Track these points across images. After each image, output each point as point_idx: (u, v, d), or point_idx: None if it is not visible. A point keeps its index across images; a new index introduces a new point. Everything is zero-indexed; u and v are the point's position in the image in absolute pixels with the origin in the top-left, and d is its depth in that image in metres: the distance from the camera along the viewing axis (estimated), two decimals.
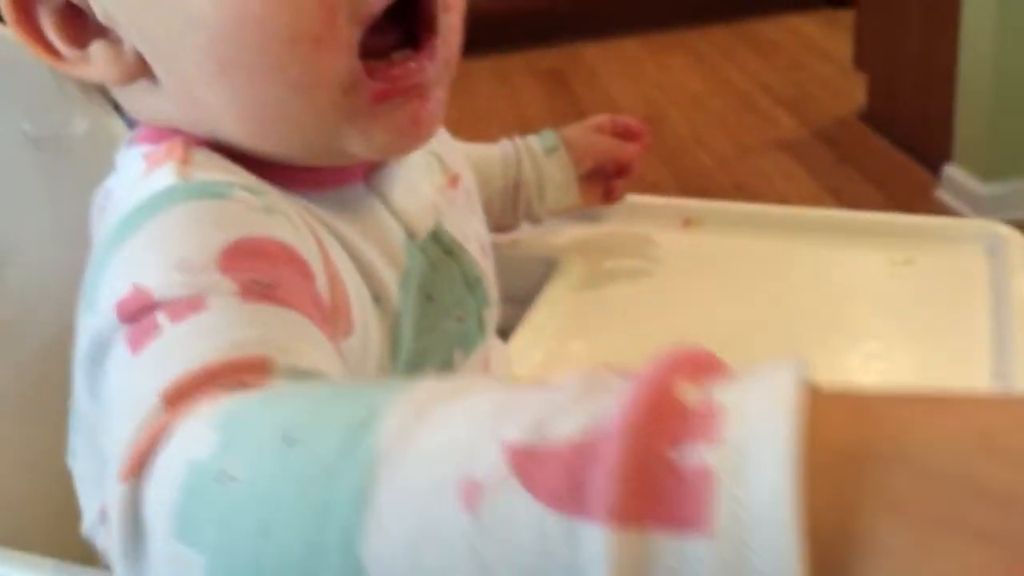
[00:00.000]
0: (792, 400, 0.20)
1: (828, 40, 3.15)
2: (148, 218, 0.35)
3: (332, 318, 0.37)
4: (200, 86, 0.38)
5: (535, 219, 0.66)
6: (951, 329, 0.53)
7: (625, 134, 0.68)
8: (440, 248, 0.47)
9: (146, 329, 0.32)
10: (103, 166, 0.41)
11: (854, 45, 2.55)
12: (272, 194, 0.39)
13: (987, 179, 1.98)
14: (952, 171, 2.08)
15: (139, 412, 0.28)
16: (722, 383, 0.21)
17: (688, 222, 0.67)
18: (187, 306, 0.32)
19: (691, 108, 2.77)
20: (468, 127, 2.88)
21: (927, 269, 0.59)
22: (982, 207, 1.99)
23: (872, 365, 0.51)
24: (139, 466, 0.26)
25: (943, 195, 2.10)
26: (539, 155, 0.65)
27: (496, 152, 0.65)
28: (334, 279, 0.39)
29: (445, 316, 0.46)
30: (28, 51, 0.40)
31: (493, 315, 0.50)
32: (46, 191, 0.52)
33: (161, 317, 0.32)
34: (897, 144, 2.37)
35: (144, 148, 0.40)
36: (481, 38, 3.67)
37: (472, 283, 0.48)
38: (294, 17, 0.36)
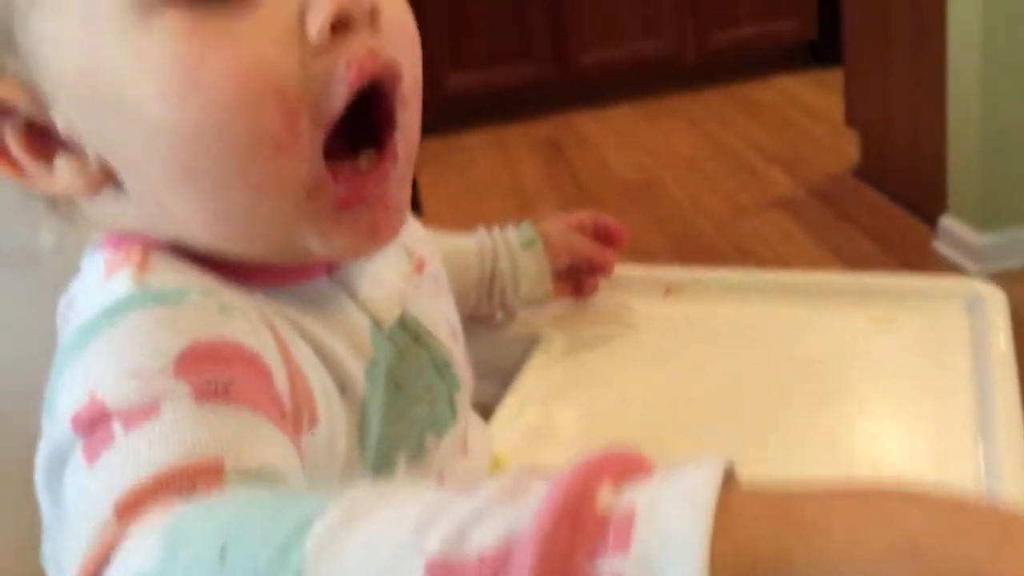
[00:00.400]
0: (709, 506, 0.19)
1: (818, 99, 3.19)
2: (104, 327, 0.35)
3: (294, 413, 0.37)
4: (165, 192, 0.38)
5: (509, 310, 0.66)
6: (934, 387, 0.53)
7: (605, 236, 0.68)
8: (408, 335, 0.47)
9: (101, 439, 0.32)
10: (70, 276, 0.41)
11: (844, 103, 2.58)
12: (229, 293, 0.39)
13: (982, 229, 1.99)
14: (948, 222, 2.09)
15: (93, 524, 0.28)
16: (643, 486, 0.21)
17: (669, 290, 0.67)
18: (141, 413, 0.32)
19: (685, 172, 2.80)
20: (468, 198, 2.91)
21: (909, 328, 0.59)
22: (979, 256, 1.99)
23: (855, 425, 0.51)
24: None
25: (940, 247, 2.11)
26: (516, 248, 0.66)
27: (473, 243, 0.66)
28: (295, 374, 0.39)
29: (415, 402, 0.46)
30: None
31: (465, 397, 0.50)
32: (13, 302, 0.53)
33: (116, 426, 0.32)
34: (892, 198, 2.39)
35: (105, 254, 0.40)
36: (479, 111, 3.74)
37: (441, 367, 0.48)
38: (254, 122, 0.36)
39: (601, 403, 0.57)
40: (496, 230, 0.68)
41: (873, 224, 2.30)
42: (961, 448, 0.47)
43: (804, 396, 0.54)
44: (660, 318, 0.64)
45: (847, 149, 2.66)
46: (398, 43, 0.40)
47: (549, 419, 0.56)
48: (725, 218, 2.46)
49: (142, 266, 0.39)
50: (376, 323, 0.45)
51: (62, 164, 0.39)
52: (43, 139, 0.39)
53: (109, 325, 0.35)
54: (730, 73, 3.49)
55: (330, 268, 0.45)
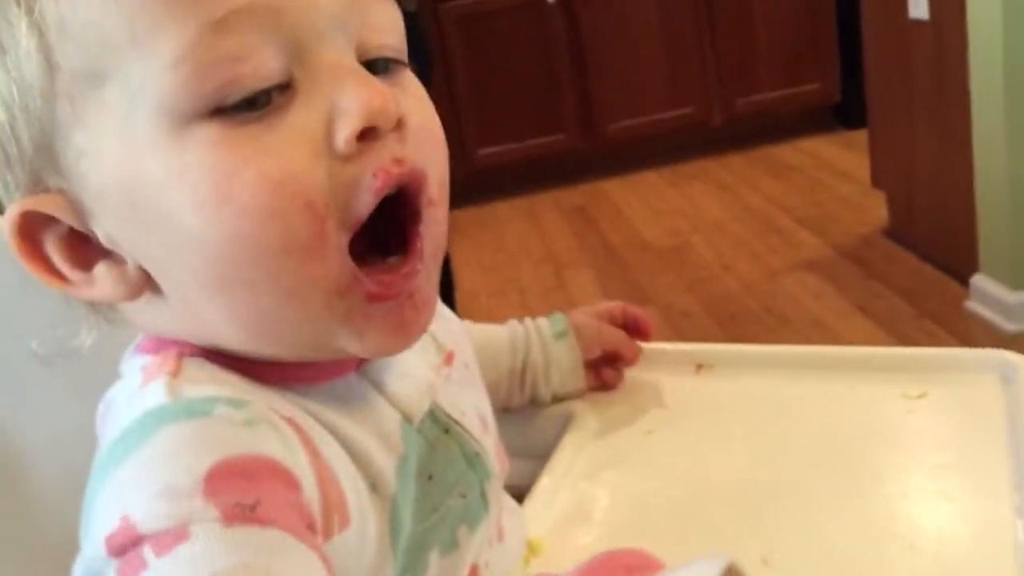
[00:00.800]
0: None
1: (845, 160, 3.21)
2: (137, 444, 0.36)
3: (324, 517, 0.38)
4: (200, 298, 0.40)
5: (540, 401, 0.67)
6: (971, 462, 0.53)
7: (633, 326, 0.69)
8: (438, 427, 0.47)
9: (133, 565, 0.33)
10: (109, 375, 0.43)
11: (871, 164, 2.60)
12: (257, 403, 0.39)
13: (1015, 287, 1.98)
14: (980, 281, 2.08)
15: None
16: None
17: (701, 366, 0.68)
18: (171, 538, 0.33)
19: (715, 235, 2.81)
20: (500, 266, 2.93)
21: (942, 402, 0.59)
22: (1013, 315, 1.98)
23: (890, 505, 0.51)
24: None
25: (973, 305, 2.09)
26: (548, 339, 0.67)
27: (505, 334, 0.67)
28: (325, 478, 0.39)
29: (447, 495, 0.46)
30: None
31: (496, 486, 0.50)
32: (54, 400, 0.55)
33: (147, 551, 0.33)
34: (923, 257, 2.38)
35: (143, 359, 0.42)
36: (510, 181, 3.80)
37: (471, 458, 0.48)
38: (285, 231, 0.37)
39: (635, 484, 0.58)
40: (528, 320, 0.69)
41: (905, 283, 2.30)
42: (998, 527, 0.47)
43: (837, 475, 0.55)
44: (692, 395, 0.65)
45: (876, 209, 2.67)
46: (424, 148, 0.41)
47: (583, 501, 0.57)
48: (755, 280, 2.47)
49: (175, 373, 0.40)
50: (406, 417, 0.46)
51: (102, 272, 0.41)
52: (84, 248, 0.41)
53: (143, 439, 0.37)
54: (756, 136, 3.53)
55: (359, 364, 0.45)
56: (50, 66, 0.38)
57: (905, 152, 2.39)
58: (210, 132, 0.37)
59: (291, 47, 0.38)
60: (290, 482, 0.37)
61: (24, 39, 0.38)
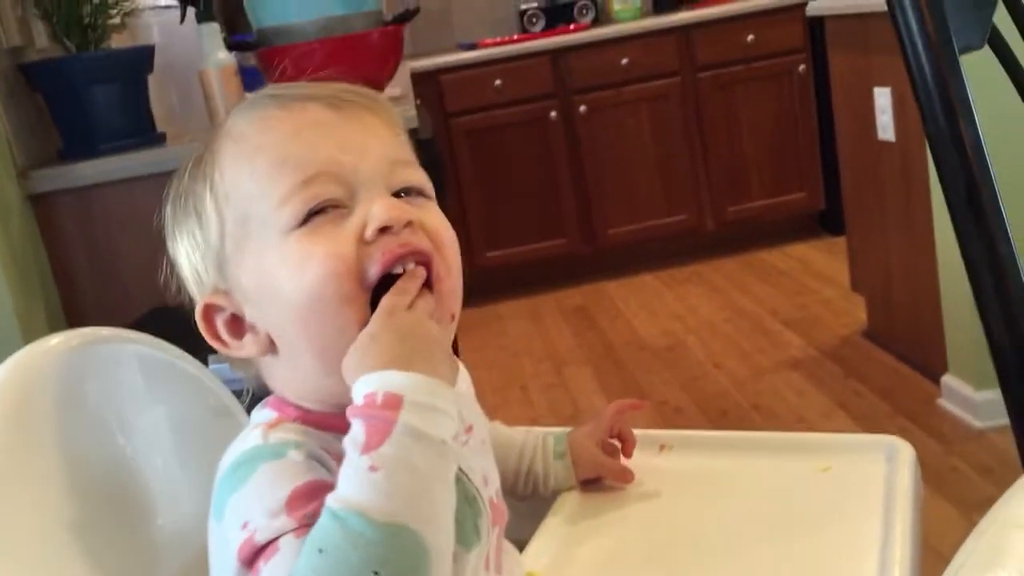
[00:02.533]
0: None
1: (829, 265, 3.42)
2: (252, 468, 0.58)
3: None
4: (296, 342, 0.62)
5: (540, 496, 0.85)
6: (855, 517, 0.71)
7: (622, 441, 0.85)
8: None
9: (256, 571, 0.55)
10: (229, 437, 0.63)
11: (849, 270, 2.80)
12: (311, 444, 0.60)
13: (980, 387, 2.15)
14: (949, 380, 2.25)
15: None
16: None
17: (663, 447, 0.87)
18: (271, 549, 0.54)
19: (708, 335, 3.00)
20: (504, 363, 3.12)
21: (841, 473, 0.77)
22: (979, 413, 2.14)
23: (799, 553, 0.69)
24: None
25: (944, 403, 2.26)
26: (550, 456, 0.85)
27: (519, 440, 0.86)
28: None
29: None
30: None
31: (487, 523, 0.67)
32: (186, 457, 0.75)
33: (261, 562, 0.55)
34: (899, 358, 2.56)
35: (263, 413, 0.65)
36: (514, 282, 4.00)
37: (470, 500, 0.66)
38: (336, 290, 0.60)
39: (610, 538, 0.76)
40: (539, 434, 0.87)
41: (882, 382, 2.47)
42: (866, 564, 0.65)
43: (763, 530, 0.73)
44: (655, 470, 0.83)
45: (856, 312, 2.86)
46: (433, 240, 0.63)
47: (569, 550, 0.75)
48: (744, 378, 2.64)
49: (271, 425, 0.62)
50: None
51: (249, 339, 0.64)
52: (238, 325, 0.65)
53: (252, 469, 0.58)
54: (746, 242, 3.75)
55: None
56: (220, 220, 0.64)
57: (880, 259, 2.59)
58: (299, 233, 0.61)
59: (348, 191, 0.62)
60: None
61: (209, 205, 0.64)
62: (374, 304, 0.60)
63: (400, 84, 2.20)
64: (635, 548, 0.73)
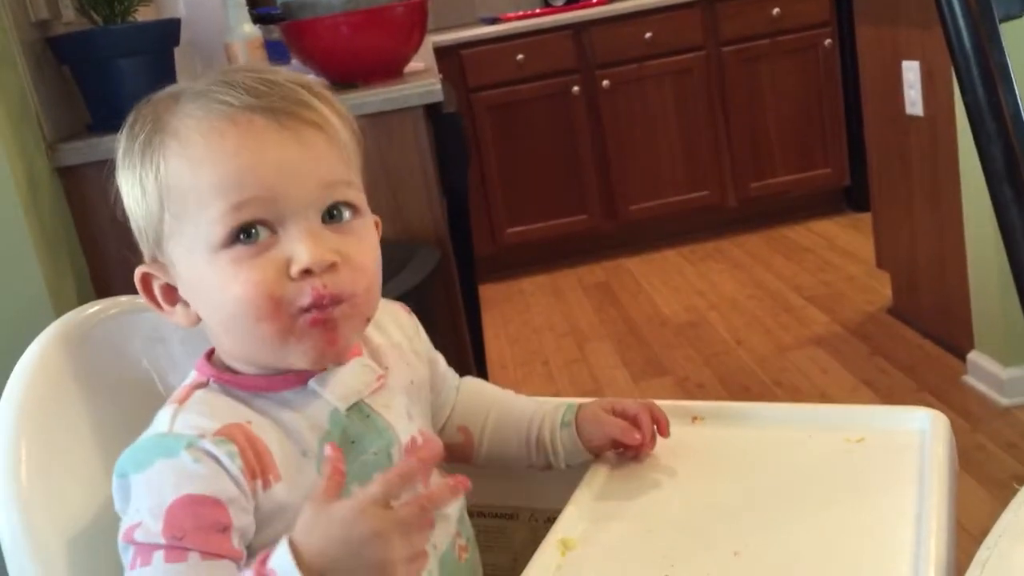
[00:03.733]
0: None
1: (853, 242, 3.39)
2: (148, 462, 0.66)
3: (262, 478, 0.67)
4: (220, 334, 0.72)
5: (556, 468, 0.86)
6: (890, 489, 0.71)
7: (634, 423, 0.83)
8: (360, 414, 0.74)
9: (133, 560, 0.64)
10: None
11: (875, 246, 2.78)
12: (206, 439, 0.67)
13: (1007, 363, 2.14)
14: (975, 357, 2.24)
15: None
16: None
17: (695, 418, 0.86)
18: (146, 553, 0.64)
19: (730, 311, 2.99)
20: (526, 338, 3.13)
21: (875, 444, 0.77)
22: (1006, 390, 2.13)
23: (830, 524, 0.69)
24: None
25: (970, 380, 2.25)
26: (556, 426, 0.85)
27: (530, 409, 0.88)
28: (259, 453, 0.68)
29: (363, 452, 0.73)
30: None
31: (399, 450, 0.75)
32: None
33: (136, 558, 0.64)
34: (924, 334, 2.55)
35: (191, 376, 0.74)
36: (536, 258, 4.00)
37: (381, 431, 0.75)
38: (256, 309, 0.68)
39: (642, 507, 0.76)
40: (550, 404, 0.87)
41: (907, 359, 2.45)
42: (900, 540, 0.65)
43: (793, 498, 0.73)
44: (687, 441, 0.83)
45: (881, 289, 2.84)
46: (353, 278, 0.70)
47: (601, 520, 0.75)
48: (767, 354, 2.64)
49: (183, 400, 0.71)
50: (335, 409, 0.73)
51: (180, 309, 0.74)
52: (171, 294, 0.73)
53: (149, 461, 0.66)
54: (770, 218, 3.73)
55: (305, 380, 0.73)
56: (161, 205, 0.70)
57: (906, 236, 2.57)
58: (228, 253, 0.68)
59: (278, 218, 0.68)
60: (215, 503, 0.65)
61: (151, 186, 0.70)
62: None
63: (424, 58, 2.19)
64: (667, 518, 0.74)
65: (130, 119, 0.73)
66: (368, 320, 0.73)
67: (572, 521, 0.74)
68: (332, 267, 0.68)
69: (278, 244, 0.68)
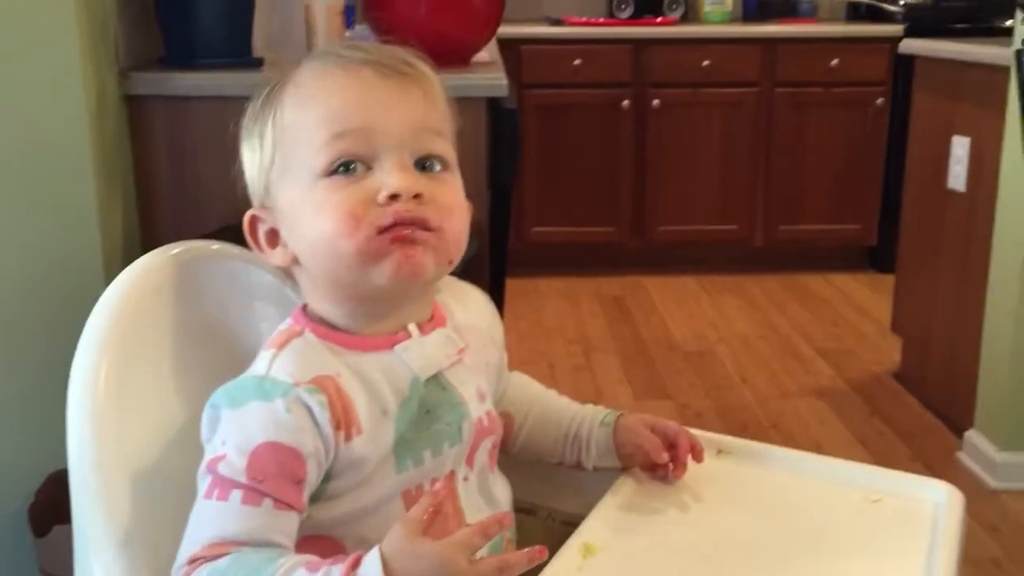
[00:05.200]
0: None
1: (870, 302, 3.42)
2: (242, 401, 0.70)
3: (345, 429, 0.72)
4: (312, 261, 0.76)
5: (584, 467, 0.89)
6: (900, 554, 0.75)
7: (670, 447, 0.86)
8: (439, 385, 0.79)
9: (210, 490, 0.69)
10: None
11: (893, 310, 2.81)
12: (302, 388, 0.71)
13: (1003, 448, 2.17)
14: (973, 436, 2.27)
15: (180, 560, 0.68)
16: None
17: (721, 451, 0.90)
18: (224, 488, 0.68)
19: (739, 347, 3.02)
20: (535, 337, 3.16)
21: (891, 508, 0.81)
22: (998, 474, 2.16)
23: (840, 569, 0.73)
24: None
25: (964, 457, 2.28)
26: (595, 424, 0.89)
27: (572, 409, 0.92)
28: (345, 405, 0.72)
29: (437, 421, 0.77)
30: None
31: (469, 426, 0.79)
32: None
33: (213, 488, 0.68)
34: (926, 405, 2.58)
35: (285, 324, 0.78)
36: (555, 261, 4.03)
37: (455, 406, 0.79)
38: (343, 227, 0.73)
39: (661, 526, 0.80)
40: (593, 407, 0.91)
41: (906, 426, 2.49)
42: None
43: (810, 545, 0.77)
44: (711, 473, 0.87)
45: (891, 352, 2.88)
46: (439, 213, 0.74)
47: (623, 531, 0.78)
48: (769, 396, 2.67)
49: (281, 346, 0.75)
50: (416, 377, 0.77)
51: (279, 251, 0.79)
52: (275, 237, 0.79)
53: (244, 400, 0.71)
54: (793, 263, 3.76)
55: (392, 346, 0.77)
56: (274, 148, 0.77)
57: (926, 305, 2.60)
58: (326, 182, 0.74)
59: (374, 151, 0.74)
60: (297, 456, 0.70)
61: (268, 133, 0.77)
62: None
63: (489, 51, 2.22)
64: (686, 541, 0.77)
65: (254, 97, 0.80)
66: (451, 263, 0.77)
67: (596, 527, 0.78)
68: (418, 197, 0.73)
69: (371, 176, 0.74)
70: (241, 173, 0.81)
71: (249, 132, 0.80)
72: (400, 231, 0.72)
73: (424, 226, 0.73)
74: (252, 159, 0.79)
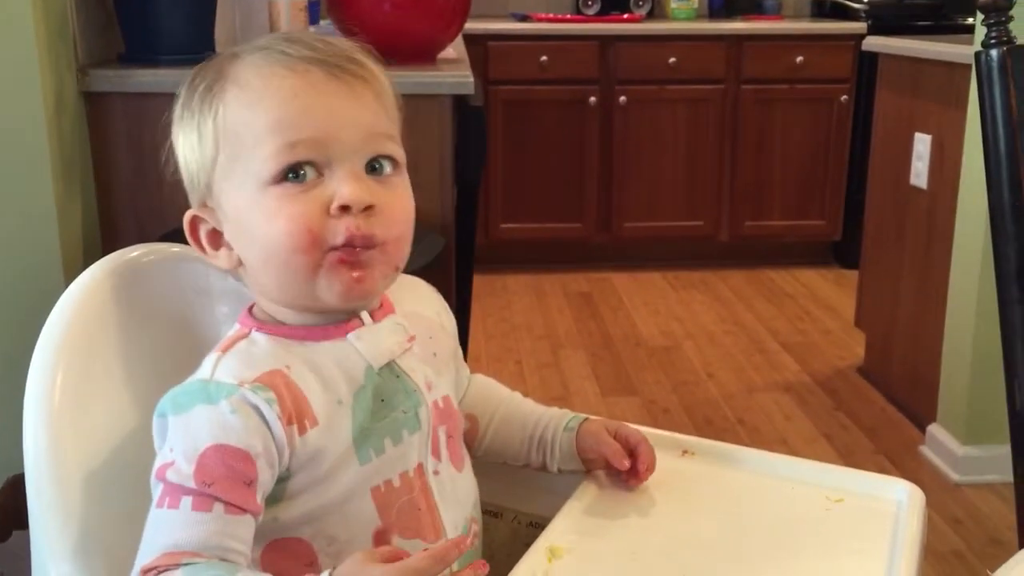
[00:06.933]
0: None
1: (835, 297, 3.46)
2: (188, 406, 0.70)
3: (298, 423, 0.71)
4: (259, 272, 0.75)
5: (549, 470, 0.89)
6: (861, 553, 0.75)
7: (630, 454, 0.86)
8: (391, 373, 0.78)
9: (160, 500, 0.68)
10: None
11: (856, 306, 2.84)
12: (246, 388, 0.70)
13: (965, 442, 2.20)
14: (935, 430, 2.30)
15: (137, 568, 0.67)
16: None
17: (686, 452, 0.90)
18: (175, 495, 0.67)
19: (705, 343, 3.04)
20: (503, 335, 3.16)
21: (854, 507, 0.81)
22: (960, 467, 2.19)
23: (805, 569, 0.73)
24: None
25: (926, 451, 2.31)
26: (559, 429, 0.90)
27: (539, 413, 0.92)
28: (296, 399, 0.72)
29: (393, 409, 0.77)
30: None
31: (426, 413, 0.79)
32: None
33: (164, 496, 0.68)
34: (890, 399, 2.61)
35: (234, 328, 0.77)
36: (523, 257, 4.03)
37: (410, 392, 0.79)
38: (296, 241, 0.71)
39: (626, 528, 0.80)
40: (559, 411, 0.91)
41: (869, 420, 2.52)
42: None
43: (767, 549, 0.77)
44: (676, 473, 0.87)
45: (854, 347, 2.91)
46: (386, 225, 0.74)
47: (589, 533, 0.78)
48: (735, 391, 2.69)
49: (224, 350, 0.74)
50: (369, 365, 0.77)
51: (223, 252, 0.77)
52: (217, 238, 0.77)
53: (189, 406, 0.70)
54: (758, 259, 3.79)
55: (346, 334, 0.77)
56: (216, 148, 0.74)
57: (888, 300, 2.63)
58: (277, 189, 0.72)
59: (326, 160, 0.73)
60: (245, 457, 0.69)
61: (209, 130, 0.74)
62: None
63: (456, 48, 2.21)
64: (650, 543, 0.77)
65: (190, 77, 0.78)
66: (397, 269, 0.77)
67: (562, 530, 0.78)
68: (368, 210, 0.73)
69: (323, 184, 0.72)
70: (175, 165, 0.78)
71: (185, 124, 0.76)
72: (351, 253, 0.72)
73: (371, 243, 0.73)
74: (190, 154, 0.76)
